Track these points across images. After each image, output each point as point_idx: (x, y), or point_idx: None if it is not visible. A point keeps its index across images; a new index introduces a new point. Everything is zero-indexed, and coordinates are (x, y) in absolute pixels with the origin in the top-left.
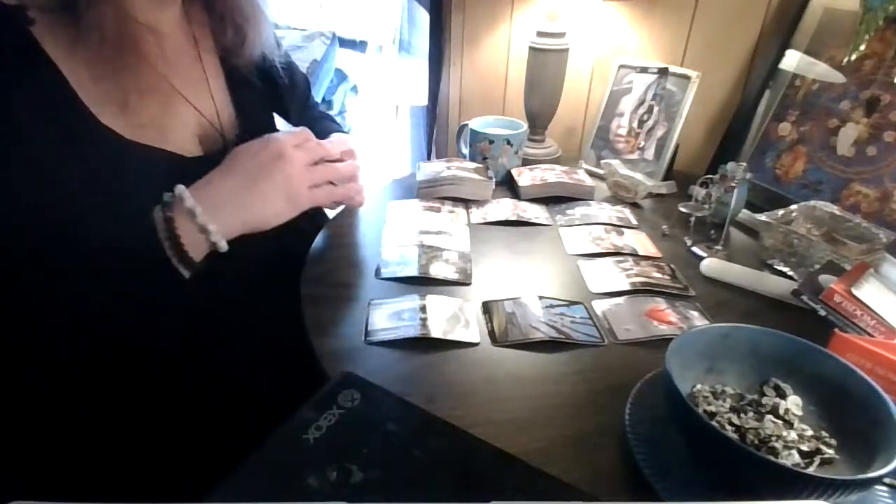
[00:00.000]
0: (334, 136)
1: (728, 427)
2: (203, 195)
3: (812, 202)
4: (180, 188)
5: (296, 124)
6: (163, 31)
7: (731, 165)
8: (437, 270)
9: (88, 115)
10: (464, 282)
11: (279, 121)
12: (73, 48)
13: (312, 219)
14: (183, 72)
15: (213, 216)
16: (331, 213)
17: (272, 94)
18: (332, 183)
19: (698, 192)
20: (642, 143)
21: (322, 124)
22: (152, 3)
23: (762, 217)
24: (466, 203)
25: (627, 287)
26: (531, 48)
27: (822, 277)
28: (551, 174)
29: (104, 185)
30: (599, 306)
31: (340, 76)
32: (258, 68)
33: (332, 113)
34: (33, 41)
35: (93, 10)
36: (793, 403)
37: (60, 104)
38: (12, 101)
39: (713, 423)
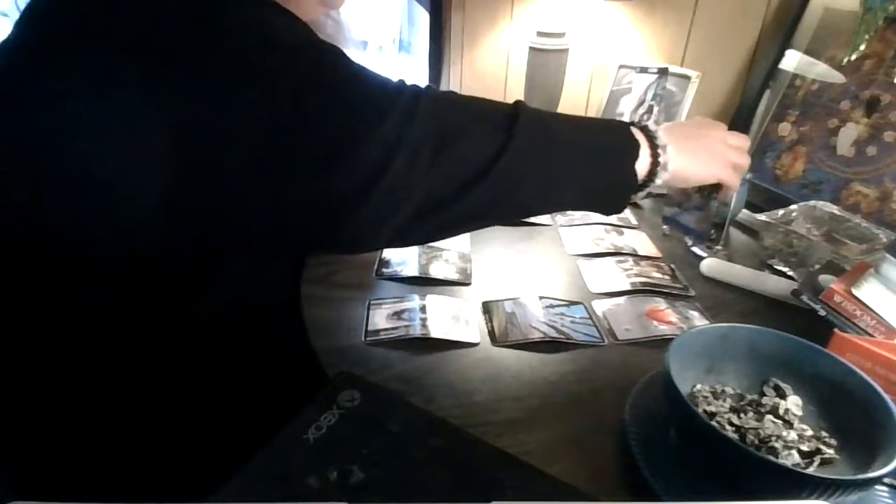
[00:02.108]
0: None
1: (728, 427)
2: (669, 137)
3: (812, 202)
4: (654, 127)
5: None
6: None
7: None
8: (437, 270)
9: None
10: (464, 282)
11: None
12: None
13: None
14: None
15: (672, 157)
16: None
17: None
18: None
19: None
20: None
21: None
22: None
23: (762, 217)
24: None
25: (627, 287)
26: (531, 48)
27: (822, 277)
28: None
29: None
30: (599, 306)
31: None
32: None
33: None
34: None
35: None
36: (793, 403)
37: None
38: None
39: (713, 423)
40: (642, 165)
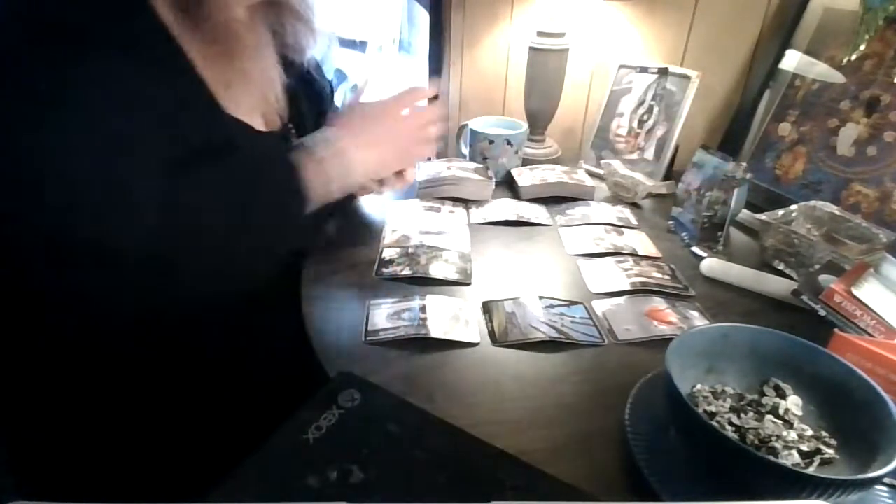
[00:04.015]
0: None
1: (728, 427)
2: (335, 151)
3: (812, 202)
4: (318, 143)
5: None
6: (250, 29)
7: (731, 165)
8: (437, 270)
9: (204, 85)
10: (464, 282)
11: None
12: (188, 34)
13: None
14: (256, 57)
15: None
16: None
17: (315, 88)
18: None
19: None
20: (642, 143)
21: None
22: (244, 9)
23: (762, 217)
24: (466, 203)
25: (627, 287)
26: (531, 48)
27: (822, 277)
28: (551, 174)
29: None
30: (599, 306)
31: (340, 76)
32: (305, 64)
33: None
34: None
35: (204, 12)
36: (793, 403)
37: (181, 77)
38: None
39: (713, 423)
40: (318, 190)
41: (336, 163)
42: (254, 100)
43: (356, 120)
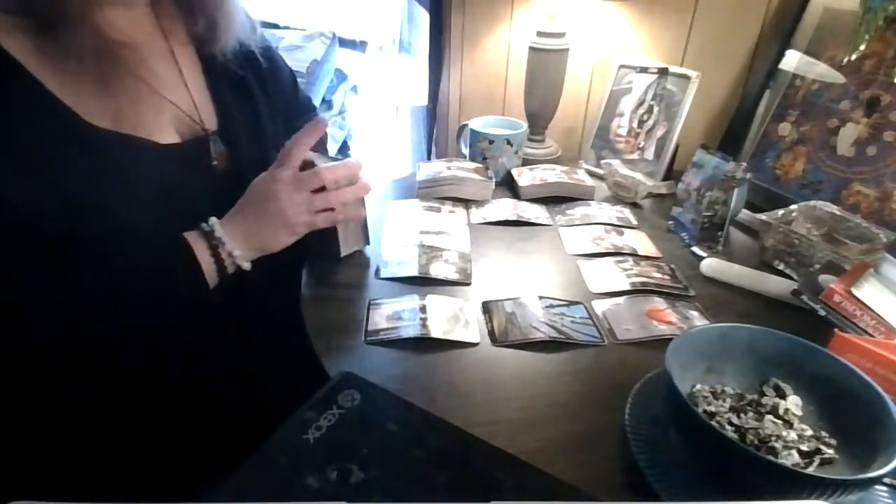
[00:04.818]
0: (334, 164)
1: (728, 427)
2: (228, 229)
3: (812, 202)
4: (213, 221)
5: (282, 120)
6: (135, 38)
7: (731, 165)
8: (437, 270)
9: (72, 115)
10: (464, 282)
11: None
12: (54, 62)
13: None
14: (154, 66)
15: (236, 245)
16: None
17: (255, 81)
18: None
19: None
20: (642, 143)
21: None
22: (122, 14)
23: (762, 217)
24: (466, 203)
25: (627, 287)
26: (531, 48)
27: (822, 277)
28: (551, 174)
29: (93, 178)
30: (599, 306)
31: (340, 76)
32: (237, 56)
33: (332, 113)
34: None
35: (69, 33)
36: (793, 403)
37: (41, 109)
38: None
39: (713, 423)
40: (210, 269)
41: (229, 235)
42: (154, 114)
43: (245, 197)
